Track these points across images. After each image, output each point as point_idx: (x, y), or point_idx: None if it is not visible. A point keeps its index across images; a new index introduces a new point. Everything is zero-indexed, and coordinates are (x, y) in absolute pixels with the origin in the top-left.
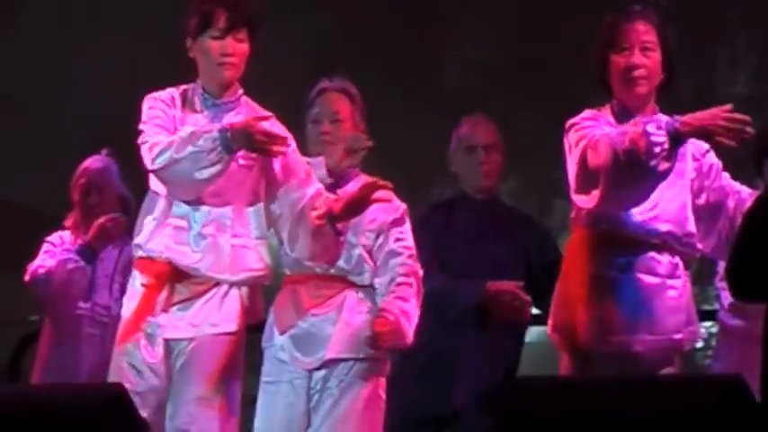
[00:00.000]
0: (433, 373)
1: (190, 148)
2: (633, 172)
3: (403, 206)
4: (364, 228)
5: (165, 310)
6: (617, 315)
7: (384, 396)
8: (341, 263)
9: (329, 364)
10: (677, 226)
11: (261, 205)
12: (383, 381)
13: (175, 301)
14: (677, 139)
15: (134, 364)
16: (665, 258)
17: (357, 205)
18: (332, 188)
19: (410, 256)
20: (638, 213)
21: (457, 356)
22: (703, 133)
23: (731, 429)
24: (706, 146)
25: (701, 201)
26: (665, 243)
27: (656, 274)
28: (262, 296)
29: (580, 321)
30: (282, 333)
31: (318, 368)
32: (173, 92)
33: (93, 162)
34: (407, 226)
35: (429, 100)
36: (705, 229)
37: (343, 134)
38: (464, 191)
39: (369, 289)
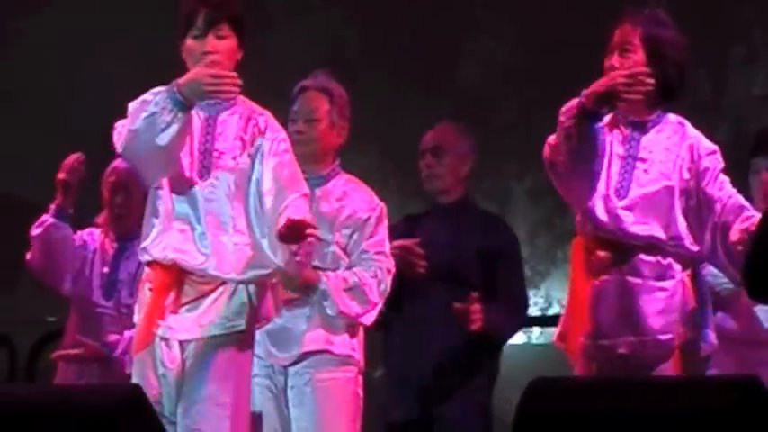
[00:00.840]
0: (411, 378)
1: (143, 116)
2: (565, 151)
3: (381, 205)
4: (340, 225)
5: (174, 312)
6: (602, 318)
7: (361, 394)
8: (316, 261)
9: (303, 357)
10: (662, 228)
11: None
12: (359, 378)
13: (183, 302)
14: (587, 112)
15: (156, 371)
16: (652, 259)
17: (285, 237)
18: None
19: (380, 253)
20: (621, 216)
21: (424, 356)
22: (607, 97)
23: (749, 430)
24: (712, 147)
25: (692, 203)
26: (651, 245)
27: (641, 276)
28: (271, 295)
29: (571, 326)
30: (258, 329)
31: (293, 363)
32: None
33: (122, 161)
34: (384, 225)
35: (445, 98)
36: (694, 232)
37: (318, 134)
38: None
39: None
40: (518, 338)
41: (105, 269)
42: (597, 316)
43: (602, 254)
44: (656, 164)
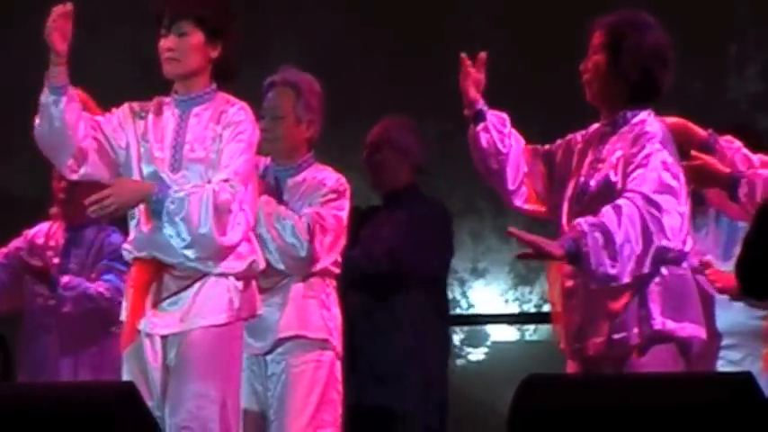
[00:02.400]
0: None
1: (39, 108)
2: None
3: (346, 184)
4: (304, 202)
5: (155, 307)
6: (572, 321)
7: (340, 377)
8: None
9: (279, 344)
10: None
11: None
12: (337, 363)
13: (164, 296)
14: (472, 112)
15: (142, 369)
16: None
17: None
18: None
19: (322, 217)
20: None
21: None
22: (468, 91)
23: (741, 427)
24: (642, 134)
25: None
26: None
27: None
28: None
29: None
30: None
31: (270, 351)
32: (135, 104)
33: None
34: (343, 200)
35: (434, 99)
36: None
37: (283, 132)
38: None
39: (317, 274)
40: (512, 335)
41: (56, 260)
42: (567, 320)
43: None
44: (607, 165)
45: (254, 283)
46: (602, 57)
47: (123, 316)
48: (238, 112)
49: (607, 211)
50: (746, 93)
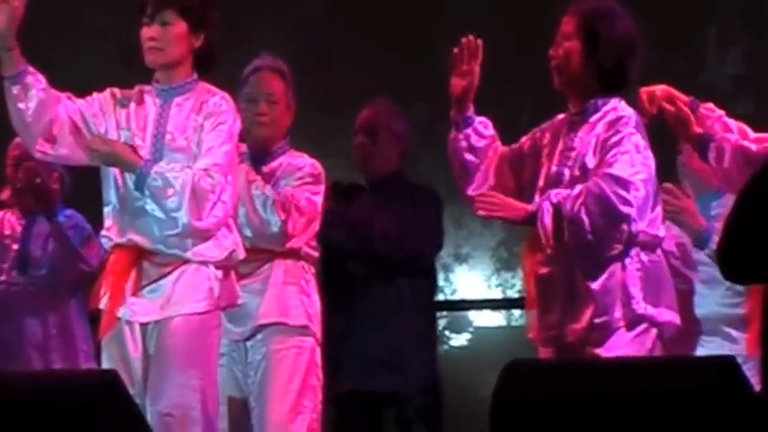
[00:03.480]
0: (367, 354)
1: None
2: None
3: (320, 168)
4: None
5: (134, 294)
6: (548, 309)
7: (320, 364)
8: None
9: (259, 330)
10: None
11: None
12: (317, 349)
13: (144, 284)
14: (460, 118)
15: (123, 357)
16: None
17: None
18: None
19: (294, 195)
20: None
21: (344, 335)
22: (459, 93)
23: (725, 411)
24: (614, 119)
25: None
26: None
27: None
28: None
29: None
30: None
31: (249, 337)
32: (117, 90)
33: None
34: (318, 185)
35: (418, 85)
36: None
37: (278, 115)
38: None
39: (295, 258)
40: (498, 321)
41: (15, 246)
42: (543, 308)
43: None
44: (581, 152)
45: (233, 272)
46: (575, 44)
47: (102, 303)
48: (220, 102)
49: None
50: (727, 76)
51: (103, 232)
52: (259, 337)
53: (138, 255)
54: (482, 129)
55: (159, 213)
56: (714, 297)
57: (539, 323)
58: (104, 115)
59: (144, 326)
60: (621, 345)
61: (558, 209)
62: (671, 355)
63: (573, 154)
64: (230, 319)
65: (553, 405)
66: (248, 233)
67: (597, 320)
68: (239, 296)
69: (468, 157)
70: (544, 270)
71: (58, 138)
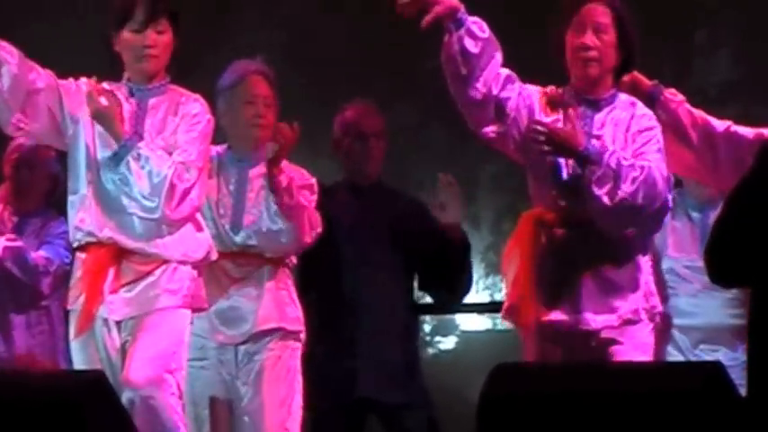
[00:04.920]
0: (336, 360)
1: None
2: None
3: (313, 179)
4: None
5: (113, 292)
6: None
7: (300, 369)
8: (255, 241)
9: (258, 335)
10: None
11: None
12: (299, 353)
13: (123, 282)
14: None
15: (101, 356)
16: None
17: None
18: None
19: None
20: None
21: (361, 341)
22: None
23: (712, 415)
24: (649, 124)
25: None
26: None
27: (605, 255)
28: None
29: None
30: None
31: (244, 341)
32: (93, 81)
33: (25, 139)
34: (315, 194)
35: (409, 85)
36: None
37: (273, 119)
38: (350, 177)
39: (282, 264)
40: (484, 324)
41: None
42: (562, 294)
43: (559, 231)
44: (608, 139)
45: (202, 277)
46: (612, 36)
47: (74, 303)
48: (194, 103)
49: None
50: (715, 79)
51: (77, 224)
52: (257, 341)
53: (118, 253)
54: (476, 30)
55: (134, 206)
56: (716, 306)
57: (545, 310)
58: (81, 104)
59: (119, 322)
60: (643, 338)
61: (617, 171)
62: (658, 360)
63: (594, 142)
64: (222, 322)
65: (540, 407)
66: (253, 241)
67: (625, 312)
68: (206, 301)
69: (461, 61)
70: (563, 252)
71: (35, 112)
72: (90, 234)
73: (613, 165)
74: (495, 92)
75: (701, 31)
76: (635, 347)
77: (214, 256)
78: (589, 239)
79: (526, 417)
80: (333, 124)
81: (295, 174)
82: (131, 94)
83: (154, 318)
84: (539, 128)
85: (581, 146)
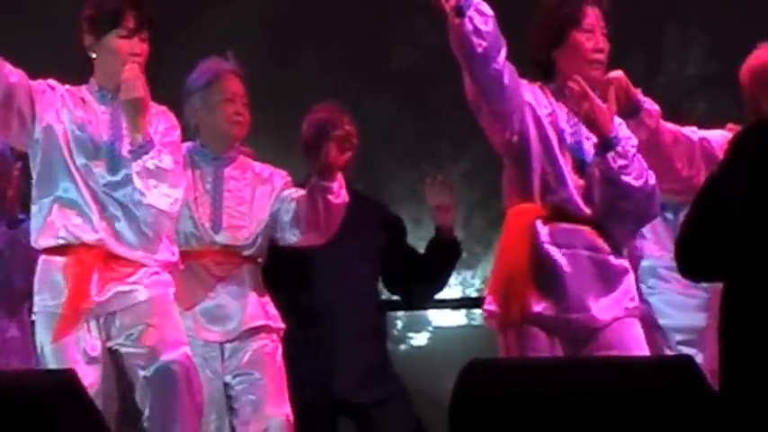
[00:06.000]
0: (312, 361)
1: None
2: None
3: (288, 177)
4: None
5: (98, 294)
6: (573, 291)
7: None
8: (235, 240)
9: (244, 334)
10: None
11: None
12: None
13: (108, 285)
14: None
15: (83, 357)
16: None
17: None
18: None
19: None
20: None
21: (333, 343)
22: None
23: (685, 411)
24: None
25: None
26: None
27: (603, 251)
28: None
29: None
30: (187, 309)
31: (230, 340)
32: (59, 84)
33: None
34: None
35: (379, 81)
36: None
37: (249, 117)
38: None
39: (257, 264)
40: (458, 320)
41: None
42: (566, 288)
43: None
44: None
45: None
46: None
47: (50, 306)
48: (167, 115)
49: None
50: (686, 73)
51: (70, 227)
52: (244, 339)
53: (105, 256)
54: (484, 8)
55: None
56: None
57: (545, 303)
58: (51, 107)
59: (104, 321)
60: (638, 331)
61: (635, 157)
62: (631, 356)
63: (586, 141)
64: (209, 320)
65: (513, 405)
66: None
67: (631, 304)
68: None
69: (476, 41)
70: (566, 252)
71: (6, 112)
72: (75, 237)
73: (633, 152)
74: (509, 70)
75: (672, 25)
76: (634, 340)
77: (179, 266)
78: (584, 232)
79: (499, 414)
80: (302, 122)
81: (275, 173)
82: (101, 100)
83: (149, 303)
84: (575, 87)
85: (612, 132)
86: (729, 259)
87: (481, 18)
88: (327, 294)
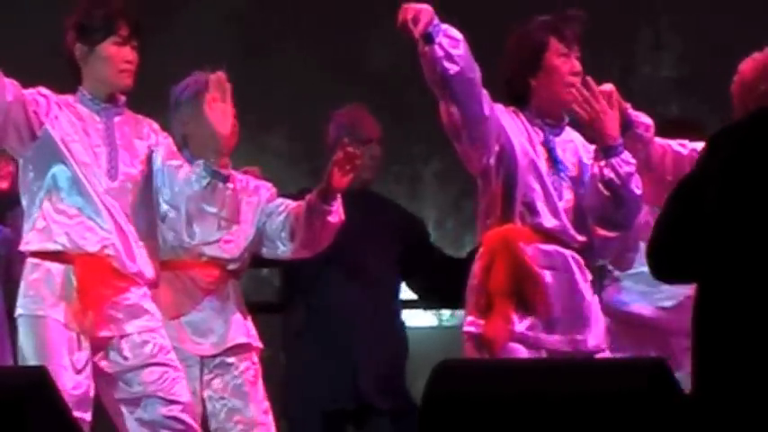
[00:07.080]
0: (329, 365)
1: None
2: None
3: (274, 189)
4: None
5: (95, 308)
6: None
7: None
8: (223, 252)
9: (228, 352)
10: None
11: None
12: None
13: (105, 300)
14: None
15: (73, 369)
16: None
17: None
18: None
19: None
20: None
21: (351, 346)
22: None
23: (657, 413)
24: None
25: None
26: (585, 247)
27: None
28: None
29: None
30: (172, 318)
31: (212, 355)
32: (50, 92)
33: None
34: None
35: (353, 81)
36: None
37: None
38: None
39: (238, 278)
40: (429, 321)
41: None
42: (550, 309)
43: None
44: (569, 163)
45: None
46: None
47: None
48: (156, 129)
49: None
50: (659, 77)
51: (69, 235)
52: (226, 357)
53: (107, 270)
54: (453, 33)
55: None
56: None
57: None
58: (44, 115)
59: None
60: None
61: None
62: (603, 357)
63: (561, 167)
64: (196, 333)
65: (485, 406)
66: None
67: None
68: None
69: (448, 65)
70: (551, 273)
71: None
72: (77, 246)
73: (634, 161)
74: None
75: (645, 29)
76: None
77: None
78: (566, 256)
79: (470, 415)
80: (276, 121)
81: (261, 185)
82: (94, 108)
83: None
84: (579, 93)
85: (618, 139)
86: (701, 259)
87: (451, 42)
88: (349, 296)
